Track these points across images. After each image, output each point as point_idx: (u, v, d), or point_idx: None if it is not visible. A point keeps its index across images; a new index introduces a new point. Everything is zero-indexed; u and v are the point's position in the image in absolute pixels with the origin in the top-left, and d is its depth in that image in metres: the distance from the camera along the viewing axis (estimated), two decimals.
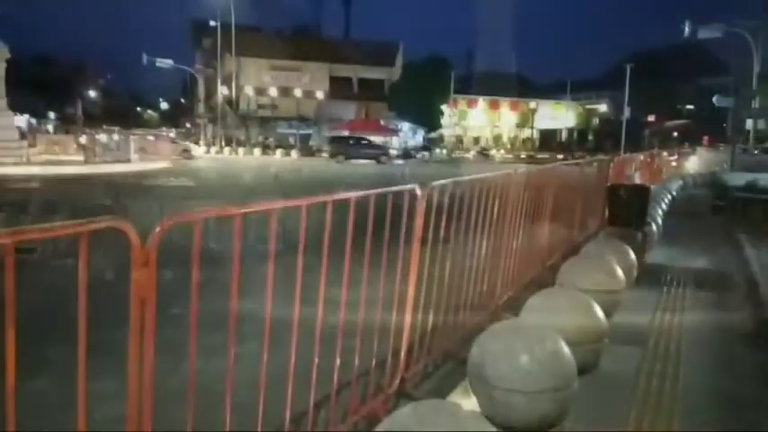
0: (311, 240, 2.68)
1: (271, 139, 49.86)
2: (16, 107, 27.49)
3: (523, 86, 63.56)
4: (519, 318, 3.81)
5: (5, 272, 1.59)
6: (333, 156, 38.11)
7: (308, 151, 46.47)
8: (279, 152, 44.36)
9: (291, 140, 50.85)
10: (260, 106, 51.42)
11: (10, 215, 10.78)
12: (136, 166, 23.94)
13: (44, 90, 78.63)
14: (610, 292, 4.63)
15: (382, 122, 51.43)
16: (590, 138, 62.69)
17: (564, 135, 64.93)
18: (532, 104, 62.59)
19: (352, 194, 2.89)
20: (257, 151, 44.39)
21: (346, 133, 48.74)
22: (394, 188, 3.29)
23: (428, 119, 52.11)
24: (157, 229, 1.85)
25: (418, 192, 3.40)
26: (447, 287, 3.98)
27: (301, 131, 51.48)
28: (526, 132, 64.08)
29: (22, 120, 38.25)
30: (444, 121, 55.90)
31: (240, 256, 2.29)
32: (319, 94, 52.97)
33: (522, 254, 5.58)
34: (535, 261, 6.20)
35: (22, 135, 28.34)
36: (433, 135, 55.77)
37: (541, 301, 3.87)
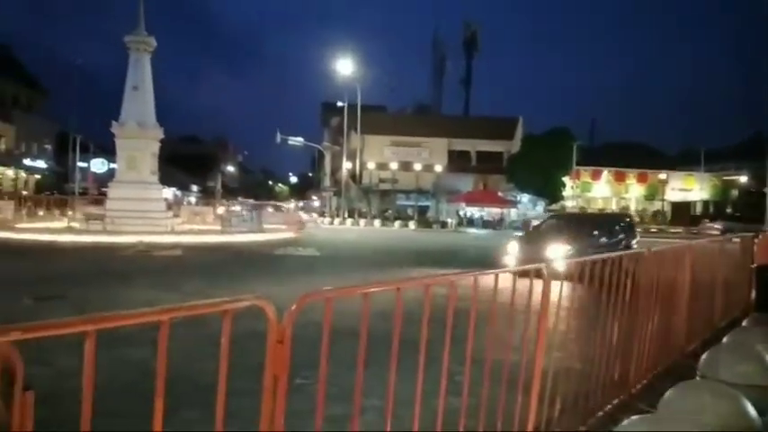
0: (436, 315, 2.68)
1: (390, 211, 51.15)
2: (164, 181, 30.49)
3: (652, 157, 60.68)
4: (657, 412, 3.50)
5: (158, 344, 1.74)
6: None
7: (425, 223, 47.05)
8: (397, 223, 45.31)
9: (410, 212, 51.82)
10: (381, 180, 53.21)
11: (156, 279, 11.83)
12: (267, 235, 25.41)
13: (189, 165, 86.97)
14: (762, 387, 4.13)
15: (500, 194, 51.12)
16: (728, 210, 58.01)
17: (699, 208, 60.64)
18: (662, 176, 59.43)
19: (475, 273, 2.89)
20: (377, 222, 45.65)
21: (463, 204, 48.95)
22: (520, 267, 3.24)
23: (549, 190, 51.08)
24: (293, 308, 1.95)
25: (545, 271, 3.32)
26: (575, 371, 3.78)
27: (419, 203, 52.48)
28: (656, 205, 60.64)
29: (168, 192, 42.39)
30: (566, 192, 54.49)
31: (368, 329, 2.34)
32: (438, 168, 53.95)
33: (657, 339, 5.19)
34: (671, 347, 5.73)
35: (169, 206, 31.32)
36: (554, 207, 54.41)
37: (681, 394, 3.53)
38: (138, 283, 11.34)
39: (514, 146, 54.59)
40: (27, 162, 63.31)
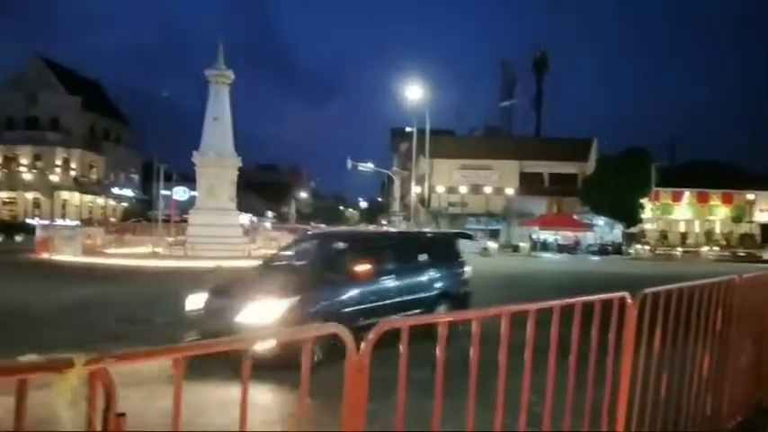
0: (515, 342, 2.62)
1: None
2: (241, 207, 31.59)
3: (738, 176, 57.35)
4: None
5: (241, 372, 1.79)
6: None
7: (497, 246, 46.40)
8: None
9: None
10: (451, 204, 53.01)
11: None
12: None
13: (265, 192, 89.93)
14: None
15: (575, 217, 49.71)
16: None
17: None
18: (750, 196, 56.02)
19: (556, 302, 2.80)
20: None
21: (536, 228, 47.88)
22: (602, 296, 3.12)
23: (626, 213, 49.18)
24: (371, 337, 1.96)
25: (629, 300, 3.18)
26: (663, 406, 3.57)
27: (490, 227, 51.76)
28: (743, 227, 57.09)
29: (245, 218, 43.77)
30: (645, 215, 52.30)
31: (444, 358, 2.31)
32: (509, 191, 53.18)
33: (751, 372, 4.84)
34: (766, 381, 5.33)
35: (245, 232, 32.37)
36: (632, 230, 52.30)
37: None
38: None
39: (589, 167, 53.13)
40: (115, 191, 67.44)
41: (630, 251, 47.88)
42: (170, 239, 28.59)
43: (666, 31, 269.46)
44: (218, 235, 26.11)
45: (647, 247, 50.53)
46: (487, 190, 52.57)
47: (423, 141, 47.37)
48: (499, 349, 2.58)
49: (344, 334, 1.93)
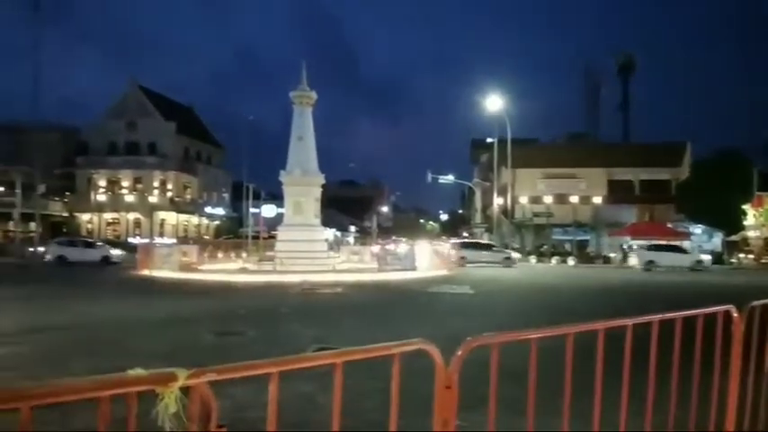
0: (612, 358, 2.50)
1: (546, 246, 49.36)
2: (325, 223, 32.33)
3: None
4: None
5: (322, 380, 1.81)
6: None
7: (586, 258, 44.72)
8: (554, 259, 43.56)
9: (567, 247, 49.62)
10: (535, 214, 51.82)
11: (321, 317, 12.46)
12: (421, 273, 25.77)
13: (347, 207, 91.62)
14: None
15: (669, 225, 47.12)
16: None
17: None
18: None
19: (656, 317, 2.65)
20: (533, 259, 44.26)
21: (628, 238, 45.78)
22: (705, 310, 2.93)
23: (726, 220, 46.08)
24: (459, 353, 1.93)
25: (734, 313, 2.97)
26: None
27: (578, 237, 50.01)
28: None
29: (329, 233, 44.75)
30: (748, 221, 48.78)
31: (536, 376, 2.24)
32: (597, 199, 51.28)
33: None
34: None
35: (330, 247, 33.07)
36: (734, 238, 48.93)
37: None
38: (304, 320, 12.00)
39: (682, 173, 50.36)
40: (208, 210, 70.89)
41: (732, 260, 44.80)
42: (259, 255, 29.64)
43: (760, 26, 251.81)
44: (305, 250, 26.83)
45: (750, 256, 47.09)
46: (574, 199, 50.99)
47: (504, 151, 46.70)
48: (595, 365, 2.48)
49: (431, 349, 1.92)
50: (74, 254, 33.39)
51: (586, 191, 51.86)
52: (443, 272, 26.87)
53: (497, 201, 50.41)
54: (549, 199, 52.09)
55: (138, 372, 1.56)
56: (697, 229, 48.22)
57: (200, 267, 27.71)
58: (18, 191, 45.90)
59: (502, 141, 47.50)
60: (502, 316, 13.49)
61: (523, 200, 51.94)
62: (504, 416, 2.63)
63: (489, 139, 50.79)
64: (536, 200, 52.29)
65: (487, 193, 56.84)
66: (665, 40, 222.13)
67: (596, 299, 17.85)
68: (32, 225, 45.60)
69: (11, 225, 50.24)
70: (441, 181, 60.15)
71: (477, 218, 61.14)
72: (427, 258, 28.48)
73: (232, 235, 55.77)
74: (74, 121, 68.93)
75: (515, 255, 39.53)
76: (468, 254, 36.10)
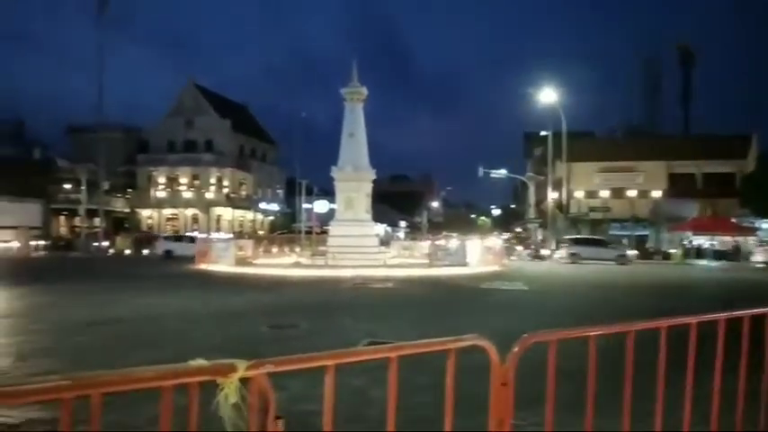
0: (673, 358, 2.42)
1: None
2: (376, 218, 32.45)
3: None
4: None
5: (387, 385, 1.81)
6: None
7: (644, 254, 43.30)
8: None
9: (625, 242, 48.15)
10: (591, 209, 50.49)
11: (372, 311, 12.54)
12: (472, 269, 25.55)
13: (398, 203, 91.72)
14: None
15: (733, 220, 45.07)
16: None
17: None
18: None
19: (722, 315, 2.55)
20: None
21: (689, 233, 44.09)
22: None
23: None
24: (516, 350, 1.90)
25: None
26: None
27: (636, 233, 48.48)
28: None
29: (380, 228, 44.88)
30: None
31: (596, 373, 2.19)
32: (656, 193, 49.55)
33: None
34: None
35: (381, 242, 33.19)
36: None
37: None
38: (356, 314, 12.11)
39: (748, 165, 48.08)
40: (262, 205, 72.35)
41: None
42: (312, 249, 30.04)
43: None
44: (356, 245, 27.02)
45: None
46: (632, 193, 49.42)
47: (559, 144, 45.69)
48: (655, 365, 2.40)
49: (486, 345, 1.90)
50: (179, 248, 35.57)
51: (645, 185, 50.21)
52: (495, 268, 26.57)
53: (552, 195, 49.39)
54: (605, 193, 50.68)
55: (200, 362, 1.60)
56: (764, 224, 45.96)
57: (255, 262, 28.32)
58: (83, 188, 48.06)
59: (556, 134, 46.45)
60: (555, 313, 13.24)
61: (579, 194, 50.72)
62: (560, 415, 2.57)
63: (543, 133, 49.76)
64: (592, 194, 50.98)
65: (541, 187, 55.77)
66: (728, 27, 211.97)
67: (653, 296, 17.28)
68: (97, 221, 47.62)
69: (77, 221, 52.62)
70: (493, 175, 59.41)
71: (531, 213, 60.04)
72: (479, 254, 28.20)
73: (286, 230, 56.67)
74: (135, 121, 71.72)
75: (631, 252, 38.61)
76: (580, 250, 35.39)
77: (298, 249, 35.89)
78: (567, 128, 45.24)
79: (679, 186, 50.05)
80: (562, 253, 37.03)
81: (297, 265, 27.14)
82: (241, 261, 27.16)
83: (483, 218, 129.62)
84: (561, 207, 49.81)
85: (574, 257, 34.42)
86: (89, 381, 1.50)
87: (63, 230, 56.20)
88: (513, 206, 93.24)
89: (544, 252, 42.44)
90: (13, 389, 1.44)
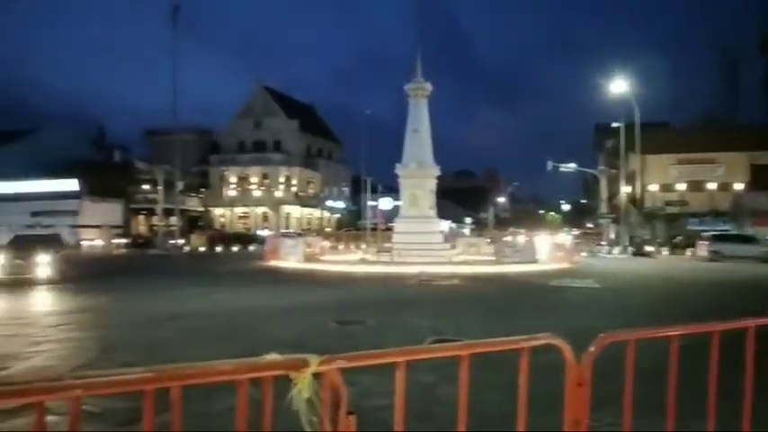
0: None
1: (680, 237, 45.87)
2: (441, 214, 32.25)
3: None
4: None
5: (458, 382, 1.79)
6: None
7: None
8: (689, 251, 40.36)
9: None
10: (667, 203, 48.35)
11: (438, 308, 12.49)
12: (542, 266, 24.99)
13: (463, 199, 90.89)
14: None
15: None
16: None
17: None
18: None
19: None
20: (665, 251, 41.36)
21: None
22: None
23: None
24: (591, 349, 1.84)
25: None
26: None
27: (716, 228, 46.02)
28: None
29: (445, 225, 44.63)
30: None
31: (677, 375, 2.09)
32: (737, 186, 46.88)
33: None
34: None
35: (446, 238, 32.97)
36: None
37: None
38: (422, 311, 12.10)
39: None
40: (329, 203, 73.58)
41: None
42: (378, 246, 30.24)
43: None
44: (421, 242, 26.99)
45: None
46: (710, 186, 46.97)
47: (632, 136, 44.01)
48: (742, 367, 2.26)
49: (561, 345, 1.84)
50: None
51: (725, 177, 47.62)
52: (565, 265, 25.88)
53: (625, 189, 47.60)
54: (682, 186, 48.40)
55: (274, 357, 1.64)
56: None
57: (322, 258, 28.79)
58: (160, 188, 50.27)
59: (629, 126, 44.74)
60: (629, 311, 12.77)
61: (654, 188, 48.69)
62: (638, 416, 2.48)
63: (615, 124, 47.98)
64: (668, 187, 48.80)
65: (613, 181, 53.85)
66: None
67: (733, 294, 16.36)
68: (173, 219, 49.73)
69: (155, 219, 55.11)
70: (562, 169, 57.81)
71: (603, 208, 58.08)
72: (548, 250, 27.54)
73: (352, 227, 57.37)
74: (207, 123, 74.39)
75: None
76: (723, 248, 33.44)
77: (363, 246, 36.21)
78: (641, 118, 43.49)
79: (762, 178, 47.04)
80: (702, 250, 34.52)
81: (362, 261, 27.39)
82: (309, 257, 27.67)
83: (552, 213, 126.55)
84: (635, 201, 47.98)
85: (715, 255, 32.21)
86: (171, 373, 1.56)
87: (142, 229, 59.01)
88: (583, 201, 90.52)
89: (648, 248, 40.27)
90: (101, 380, 1.52)
